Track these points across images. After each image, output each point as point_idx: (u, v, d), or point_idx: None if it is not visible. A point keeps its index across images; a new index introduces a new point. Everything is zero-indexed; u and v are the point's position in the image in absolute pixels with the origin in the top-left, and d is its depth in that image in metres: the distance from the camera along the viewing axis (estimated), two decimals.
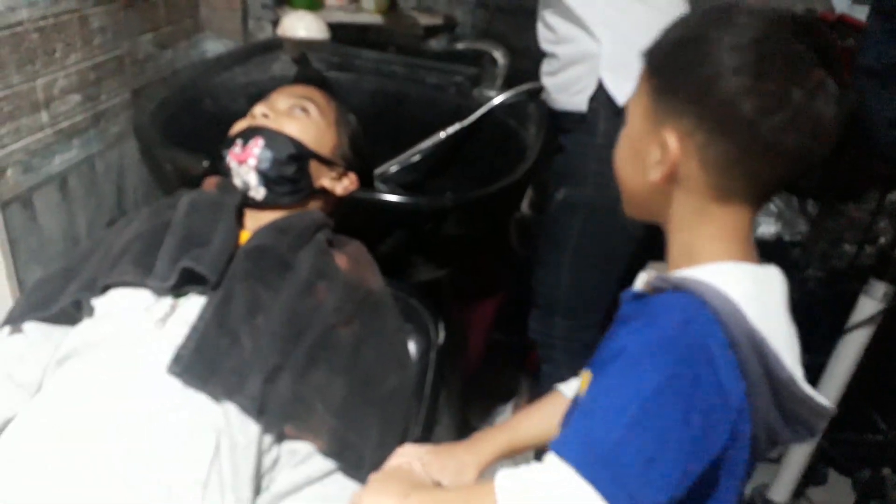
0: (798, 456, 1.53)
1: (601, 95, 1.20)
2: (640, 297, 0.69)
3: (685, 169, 0.63)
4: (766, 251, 1.62)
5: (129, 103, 1.52)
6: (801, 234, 1.60)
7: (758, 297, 0.62)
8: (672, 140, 0.63)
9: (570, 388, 0.88)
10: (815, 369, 1.46)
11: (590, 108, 1.21)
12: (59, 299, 0.96)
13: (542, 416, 0.88)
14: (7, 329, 0.97)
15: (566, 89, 1.25)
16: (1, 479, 0.80)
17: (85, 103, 1.40)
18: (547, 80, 1.32)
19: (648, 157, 0.66)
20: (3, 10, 1.18)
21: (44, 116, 1.31)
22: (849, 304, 1.38)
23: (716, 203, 0.64)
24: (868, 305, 1.33)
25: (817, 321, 1.49)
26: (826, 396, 1.41)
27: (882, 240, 1.46)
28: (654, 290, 0.65)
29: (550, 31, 1.27)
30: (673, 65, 0.65)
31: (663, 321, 0.61)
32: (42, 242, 1.35)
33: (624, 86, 1.18)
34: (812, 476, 1.70)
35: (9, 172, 1.24)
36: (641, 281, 0.73)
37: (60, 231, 1.39)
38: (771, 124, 0.58)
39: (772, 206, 1.63)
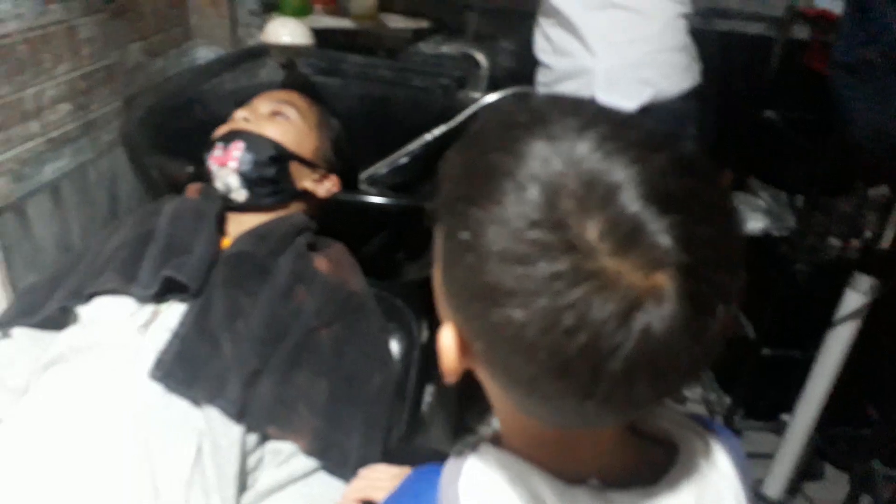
0: (791, 450, 1.53)
1: None
2: None
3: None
4: (755, 247, 1.63)
5: (120, 111, 1.55)
6: (789, 229, 1.60)
7: None
8: (447, 337, 0.44)
9: None
10: (806, 364, 1.46)
11: None
12: (46, 306, 0.98)
13: None
14: None
15: None
16: None
17: (76, 112, 1.43)
18: (542, 91, 1.32)
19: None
20: None
21: (34, 126, 1.33)
22: (838, 298, 1.38)
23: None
24: (853, 299, 1.33)
25: (807, 315, 1.50)
26: (815, 391, 1.43)
27: (867, 233, 1.46)
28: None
29: (547, 41, 1.25)
30: (453, 203, 0.42)
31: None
32: (36, 250, 1.37)
33: (620, 103, 1.18)
34: (808, 471, 1.70)
35: (0, 181, 1.26)
36: None
37: (54, 239, 1.41)
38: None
39: (760, 202, 1.64)
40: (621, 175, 0.37)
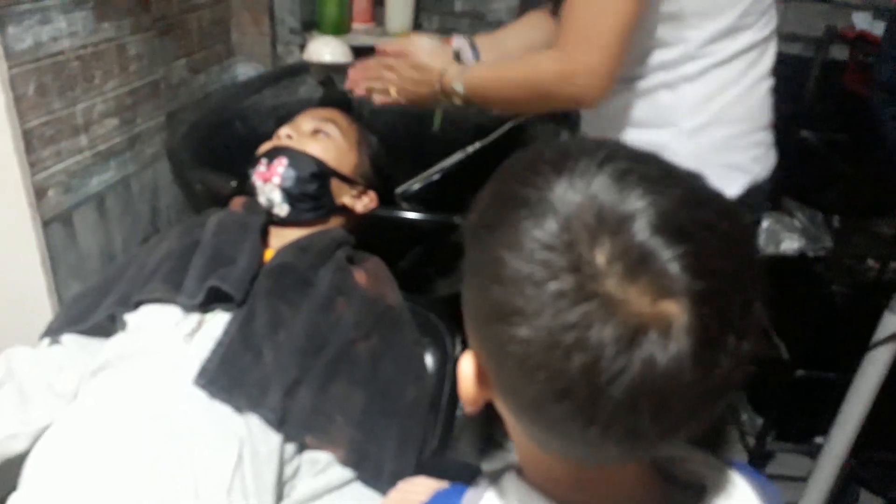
0: (825, 474, 1.51)
1: None
2: None
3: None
4: (791, 267, 1.61)
5: (163, 126, 1.59)
6: (826, 250, 1.58)
7: None
8: (466, 364, 0.47)
9: None
10: (842, 387, 1.44)
11: None
12: (95, 314, 1.01)
13: None
14: (47, 341, 1.03)
15: None
16: (39, 482, 0.85)
17: (122, 126, 1.47)
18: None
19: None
20: (46, 40, 1.25)
21: (83, 140, 1.37)
22: (875, 320, 1.36)
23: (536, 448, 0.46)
24: (892, 322, 1.31)
25: (843, 338, 1.48)
26: (851, 414, 1.41)
27: None
28: None
29: (616, 109, 1.05)
30: (476, 231, 0.44)
31: None
32: (81, 259, 1.41)
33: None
34: (842, 496, 1.66)
35: (50, 193, 1.31)
36: None
37: (98, 248, 1.45)
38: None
39: (795, 222, 1.62)
40: (634, 206, 0.38)
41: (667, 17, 0.95)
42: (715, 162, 1.00)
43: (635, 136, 1.03)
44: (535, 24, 1.18)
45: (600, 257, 0.37)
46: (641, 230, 0.37)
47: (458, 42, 1.14)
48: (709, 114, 0.99)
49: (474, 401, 0.47)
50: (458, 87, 1.00)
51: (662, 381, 0.37)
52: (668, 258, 0.36)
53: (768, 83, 1.04)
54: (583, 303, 0.37)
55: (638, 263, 0.37)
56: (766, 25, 1.01)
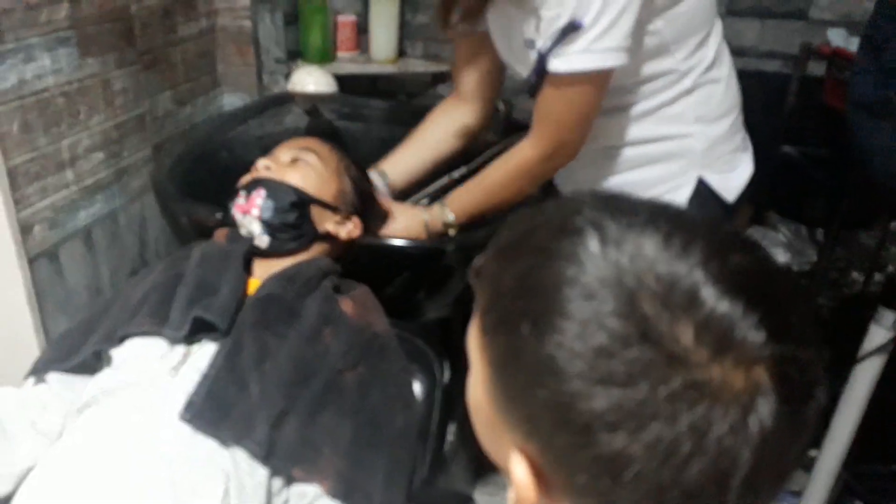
0: (819, 487, 1.51)
1: (704, 192, 1.10)
2: None
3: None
4: None
5: (150, 158, 1.60)
6: (811, 264, 1.59)
7: None
8: (520, 470, 0.40)
9: None
10: (831, 399, 1.44)
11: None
12: (80, 351, 1.01)
13: None
14: (32, 380, 1.02)
15: (649, 189, 1.11)
16: None
17: (108, 160, 1.48)
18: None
19: (504, 458, 0.42)
20: (30, 78, 1.25)
21: (69, 175, 1.38)
22: (862, 333, 1.37)
23: None
24: (878, 334, 1.32)
25: (831, 351, 1.48)
26: (843, 427, 1.41)
27: (890, 267, 1.45)
28: None
29: (620, 128, 1.12)
30: (512, 320, 0.39)
31: None
32: (68, 294, 1.41)
33: (729, 176, 1.11)
34: None
35: (36, 229, 1.31)
36: None
37: (85, 283, 1.45)
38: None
39: (780, 236, 1.64)
40: (699, 274, 0.35)
41: (653, 53, 1.03)
42: (726, 150, 1.11)
43: (650, 150, 1.11)
44: (448, 115, 1.34)
45: (687, 339, 0.34)
46: (715, 300, 0.35)
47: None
48: (713, 112, 1.08)
49: None
50: (451, 225, 1.18)
51: (771, 447, 0.36)
52: (749, 325, 0.35)
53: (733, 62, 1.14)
54: (698, 401, 0.34)
55: (723, 337, 0.34)
56: (716, 15, 1.09)
